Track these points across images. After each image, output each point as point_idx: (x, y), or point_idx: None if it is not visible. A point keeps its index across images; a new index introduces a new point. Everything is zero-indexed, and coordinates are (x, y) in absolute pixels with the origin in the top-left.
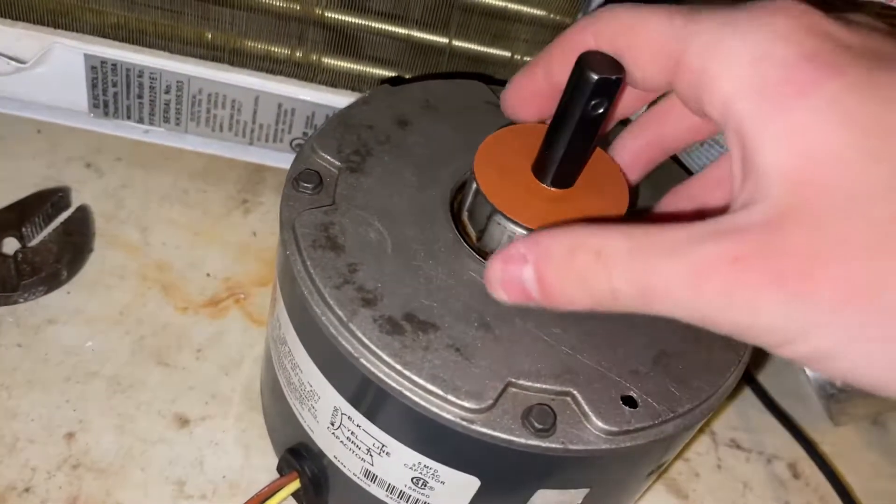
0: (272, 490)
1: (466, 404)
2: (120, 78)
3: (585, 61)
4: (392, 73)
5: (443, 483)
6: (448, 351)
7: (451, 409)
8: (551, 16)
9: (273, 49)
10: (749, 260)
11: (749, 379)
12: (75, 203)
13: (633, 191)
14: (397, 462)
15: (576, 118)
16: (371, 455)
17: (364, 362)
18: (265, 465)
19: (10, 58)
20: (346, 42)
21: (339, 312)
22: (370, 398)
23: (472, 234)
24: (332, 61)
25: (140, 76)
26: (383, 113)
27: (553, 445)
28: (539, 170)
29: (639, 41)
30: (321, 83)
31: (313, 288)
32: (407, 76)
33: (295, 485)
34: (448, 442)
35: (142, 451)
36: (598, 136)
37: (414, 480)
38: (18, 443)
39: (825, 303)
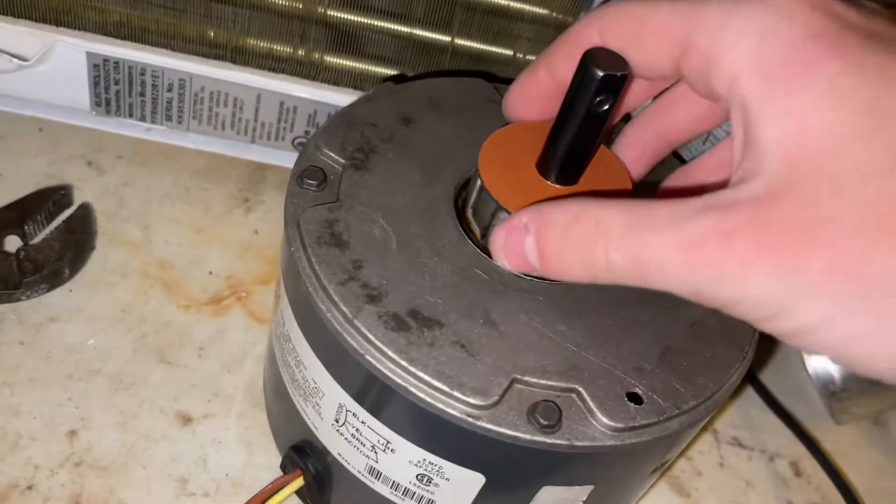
0: (276, 488)
1: (472, 400)
2: (122, 76)
3: (590, 58)
4: (394, 72)
5: (448, 480)
6: (453, 347)
7: (456, 405)
8: (554, 14)
9: (275, 47)
10: (740, 233)
11: (751, 378)
12: (77, 201)
13: (637, 187)
14: (402, 459)
15: (581, 115)
16: (376, 452)
17: (369, 358)
18: (268, 462)
19: (13, 55)
20: (348, 40)
21: (344, 309)
22: (375, 395)
23: (477, 230)
24: (335, 59)
25: (142, 74)
26: (387, 110)
27: (558, 442)
28: (543, 167)
29: (646, 31)
30: (323, 81)
31: (318, 284)
32: (409, 74)
33: (298, 482)
34: (453, 438)
35: (144, 448)
36: (602, 133)
37: (419, 477)
38: (21, 440)
39: (812, 277)
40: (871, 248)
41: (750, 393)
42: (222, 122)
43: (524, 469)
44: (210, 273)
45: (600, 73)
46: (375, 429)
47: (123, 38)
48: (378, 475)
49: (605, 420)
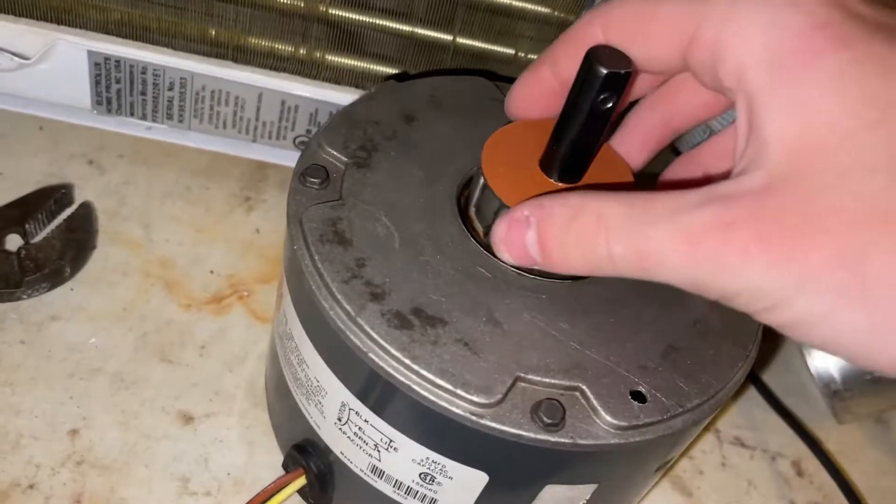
0: (278, 486)
1: (475, 399)
2: (123, 75)
3: (594, 55)
4: (395, 71)
5: (451, 478)
6: (457, 345)
7: (460, 403)
8: (555, 13)
9: (277, 46)
10: (741, 225)
11: (753, 377)
12: (78, 200)
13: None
14: (405, 457)
15: (584, 112)
16: (378, 450)
17: (372, 356)
18: (269, 462)
19: (14, 54)
20: (349, 39)
21: (347, 307)
22: (378, 393)
23: (480, 229)
24: (336, 58)
25: (143, 73)
26: (389, 109)
27: (562, 440)
28: (547, 164)
29: (651, 25)
30: (325, 80)
31: (321, 282)
32: (411, 73)
33: (301, 481)
34: (456, 437)
35: (146, 447)
36: (606, 131)
37: (422, 476)
38: (22, 439)
39: (811, 268)
40: (873, 242)
41: (752, 392)
42: (223, 121)
43: (527, 467)
44: (211, 272)
45: (604, 71)
46: (378, 427)
47: (125, 36)
48: (381, 474)
49: (608, 418)
